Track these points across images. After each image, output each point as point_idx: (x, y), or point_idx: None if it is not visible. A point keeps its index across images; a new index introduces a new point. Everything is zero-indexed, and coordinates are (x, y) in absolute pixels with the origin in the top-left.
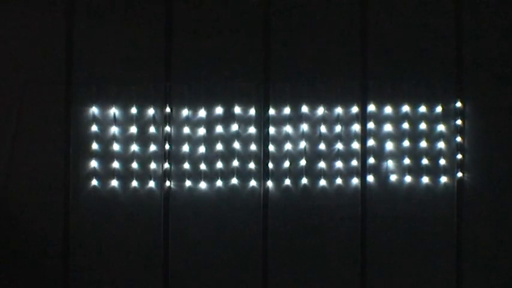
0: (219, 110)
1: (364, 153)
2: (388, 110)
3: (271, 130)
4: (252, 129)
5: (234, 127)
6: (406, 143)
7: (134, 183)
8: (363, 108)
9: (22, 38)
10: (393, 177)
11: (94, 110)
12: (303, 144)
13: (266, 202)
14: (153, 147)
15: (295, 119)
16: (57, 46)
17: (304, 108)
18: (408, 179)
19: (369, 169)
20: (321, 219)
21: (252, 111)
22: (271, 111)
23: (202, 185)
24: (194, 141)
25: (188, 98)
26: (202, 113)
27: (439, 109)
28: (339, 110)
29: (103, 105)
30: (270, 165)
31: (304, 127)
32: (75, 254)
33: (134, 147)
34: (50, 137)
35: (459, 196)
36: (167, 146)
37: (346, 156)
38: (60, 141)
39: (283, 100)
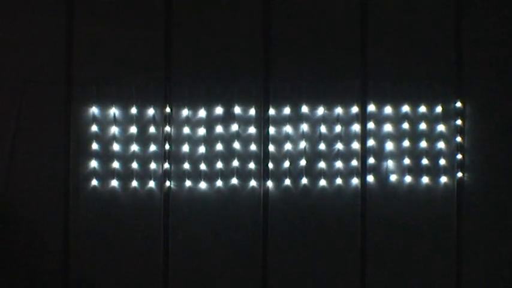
0: (219, 110)
1: (364, 153)
2: (388, 110)
3: (271, 130)
4: (252, 129)
5: (234, 127)
6: (406, 143)
7: (134, 183)
8: (363, 108)
9: (22, 38)
10: (393, 177)
11: (94, 110)
12: (303, 144)
13: (266, 202)
14: (153, 147)
15: (295, 119)
16: (57, 46)
17: (304, 108)
18: (408, 179)
19: (369, 169)
20: (321, 219)
21: (252, 111)
22: (271, 111)
23: (202, 185)
24: (194, 141)
25: (188, 98)
26: (202, 113)
27: (439, 109)
28: (339, 110)
29: (103, 105)
30: (270, 165)
31: (304, 127)
32: (75, 254)
33: (134, 147)
34: (50, 137)
35: (459, 196)
36: (167, 146)
37: (346, 156)
38: (60, 141)
39: (283, 100)
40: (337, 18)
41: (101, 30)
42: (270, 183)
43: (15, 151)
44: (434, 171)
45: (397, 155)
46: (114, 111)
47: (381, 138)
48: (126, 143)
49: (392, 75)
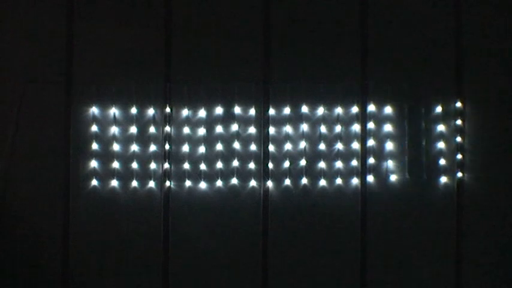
0: (219, 110)
1: (364, 153)
2: (388, 110)
3: (271, 130)
4: (252, 129)
5: (234, 127)
6: (406, 143)
7: (134, 183)
8: (363, 108)
9: (22, 38)
10: (393, 177)
11: (94, 110)
12: (303, 144)
13: (266, 202)
14: (153, 147)
15: (295, 119)
16: (57, 46)
17: (304, 108)
18: (408, 179)
19: (369, 169)
20: (321, 219)
21: (252, 111)
22: (271, 111)
23: (202, 185)
24: (194, 141)
25: (188, 98)
26: (202, 113)
27: (439, 109)
28: (339, 110)
29: (103, 105)
30: (270, 165)
31: (304, 127)
32: (75, 254)
33: (134, 147)
34: (50, 137)
35: (459, 196)
36: (167, 146)
37: (346, 156)
38: (60, 141)
39: (283, 100)
40: (337, 18)
41: (101, 30)
42: (270, 183)
43: (15, 151)
44: (434, 171)
45: (397, 155)
46: (114, 111)
47: (381, 138)
48: (126, 143)
49: (392, 75)
